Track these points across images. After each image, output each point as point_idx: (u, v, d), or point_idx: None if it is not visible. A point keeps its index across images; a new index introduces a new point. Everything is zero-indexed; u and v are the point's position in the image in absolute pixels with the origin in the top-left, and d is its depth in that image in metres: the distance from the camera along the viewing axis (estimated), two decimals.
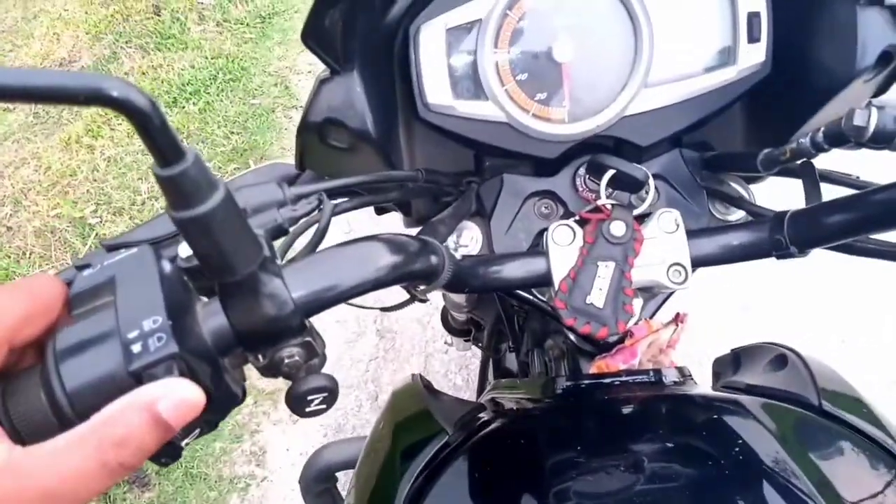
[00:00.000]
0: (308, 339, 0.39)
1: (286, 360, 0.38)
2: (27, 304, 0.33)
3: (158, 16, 2.96)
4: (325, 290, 0.39)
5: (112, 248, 0.46)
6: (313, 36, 0.50)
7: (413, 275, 0.45)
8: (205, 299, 0.38)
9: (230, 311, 0.36)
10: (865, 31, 0.54)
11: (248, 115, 2.65)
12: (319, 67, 0.55)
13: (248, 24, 2.95)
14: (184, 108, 2.65)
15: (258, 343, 0.37)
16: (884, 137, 0.45)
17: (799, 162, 0.56)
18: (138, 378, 0.31)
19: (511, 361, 0.96)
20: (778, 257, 0.57)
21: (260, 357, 0.38)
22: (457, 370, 1.96)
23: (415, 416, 0.69)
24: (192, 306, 0.36)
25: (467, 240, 0.67)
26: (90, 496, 0.30)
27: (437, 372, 1.96)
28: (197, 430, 0.36)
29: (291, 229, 0.47)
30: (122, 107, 0.27)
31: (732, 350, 0.82)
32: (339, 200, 0.56)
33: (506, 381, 0.76)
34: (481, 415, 0.66)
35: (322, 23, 0.51)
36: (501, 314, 0.87)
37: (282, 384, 0.39)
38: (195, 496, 1.81)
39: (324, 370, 0.41)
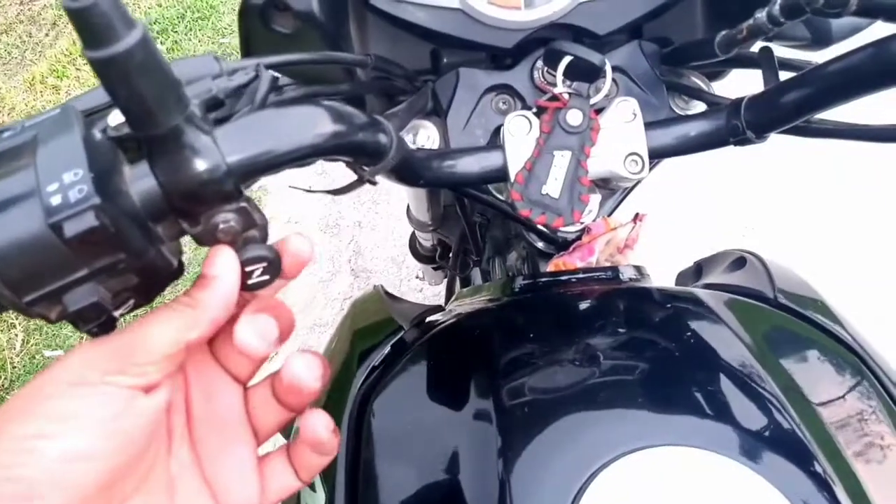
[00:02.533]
0: (243, 204, 0.37)
1: (221, 226, 0.36)
2: None
3: None
4: (259, 153, 0.37)
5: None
6: None
7: (356, 147, 0.43)
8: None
9: (158, 170, 0.34)
10: None
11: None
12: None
13: None
14: None
15: (189, 205, 0.36)
16: (838, 2, 0.43)
17: (758, 50, 0.55)
18: (58, 230, 0.30)
19: (477, 277, 0.95)
20: (735, 144, 0.56)
21: (192, 224, 0.37)
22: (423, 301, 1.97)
23: (374, 321, 0.69)
24: (120, 169, 0.35)
25: (423, 139, 0.65)
26: None
27: None
28: (131, 302, 0.35)
29: (228, 101, 0.45)
30: None
31: (696, 262, 0.82)
32: (283, 84, 0.54)
33: (467, 289, 0.75)
34: (438, 316, 0.65)
35: None
36: (466, 230, 0.85)
37: None
38: None
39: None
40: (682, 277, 0.82)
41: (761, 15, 0.50)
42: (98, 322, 0.34)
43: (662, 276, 0.72)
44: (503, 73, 0.64)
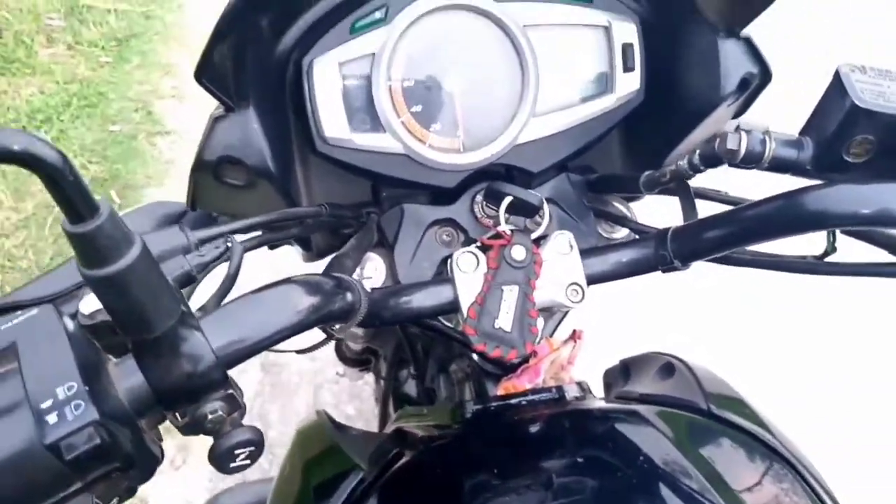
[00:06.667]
0: (230, 391, 0.37)
1: (209, 416, 0.36)
2: None
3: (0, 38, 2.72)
4: (246, 340, 0.38)
5: (3, 309, 0.41)
6: (207, 73, 0.49)
7: (332, 315, 0.45)
8: (113, 358, 0.36)
9: (147, 369, 0.34)
10: (726, 60, 0.60)
11: (107, 143, 2.49)
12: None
13: (103, 47, 2.77)
14: None
15: (179, 400, 0.36)
16: (753, 158, 0.50)
17: (675, 184, 0.61)
18: (56, 451, 0.29)
19: (411, 387, 0.96)
20: (664, 271, 0.61)
21: (179, 416, 0.36)
22: (348, 400, 1.93)
23: (324, 453, 0.68)
24: (104, 367, 0.34)
25: (371, 271, 0.66)
26: None
27: (327, 403, 1.91)
28: (116, 499, 0.34)
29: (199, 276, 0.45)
30: (27, 162, 0.25)
31: (621, 360, 0.87)
32: (239, 240, 0.54)
33: (412, 409, 0.76)
34: (393, 448, 0.65)
35: (214, 60, 0.49)
36: (404, 341, 0.87)
37: None
38: None
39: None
40: (610, 376, 0.86)
41: (682, 163, 0.56)
42: None
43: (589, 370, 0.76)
44: (445, 208, 0.67)
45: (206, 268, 0.44)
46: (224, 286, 0.44)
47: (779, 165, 0.50)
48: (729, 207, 0.61)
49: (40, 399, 0.30)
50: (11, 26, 2.72)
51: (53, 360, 0.31)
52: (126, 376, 0.34)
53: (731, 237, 0.55)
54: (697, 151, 0.54)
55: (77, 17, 2.83)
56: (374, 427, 1.32)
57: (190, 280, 0.43)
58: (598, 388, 0.83)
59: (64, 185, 0.26)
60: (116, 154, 2.45)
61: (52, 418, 0.29)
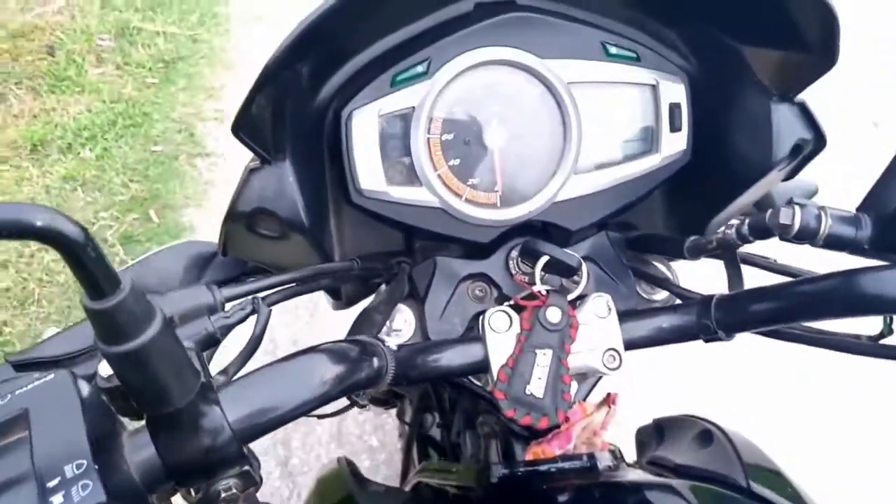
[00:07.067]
0: (246, 467, 0.36)
1: (223, 494, 0.35)
2: None
3: (52, 56, 2.80)
4: (266, 414, 0.37)
5: (20, 365, 0.41)
6: (245, 127, 0.48)
7: (358, 384, 0.43)
8: (128, 425, 0.34)
9: (161, 443, 0.33)
10: (779, 125, 0.58)
11: (149, 163, 2.53)
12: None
13: (150, 69, 2.84)
14: (79, 153, 2.50)
15: (192, 477, 0.34)
16: (807, 235, 0.47)
17: (722, 251, 0.58)
18: None
19: (436, 433, 0.94)
20: (706, 341, 0.59)
21: (192, 491, 0.35)
22: (372, 430, 1.91)
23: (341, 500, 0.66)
24: (118, 437, 0.33)
25: (400, 323, 0.65)
26: None
27: (351, 433, 1.90)
28: None
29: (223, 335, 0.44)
30: (49, 238, 0.24)
31: (655, 420, 0.83)
32: (269, 292, 0.54)
33: (436, 464, 0.74)
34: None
35: (252, 112, 0.49)
36: (430, 391, 0.85)
37: None
38: None
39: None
40: (644, 435, 0.83)
41: (731, 231, 0.54)
42: None
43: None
44: (479, 262, 0.65)
45: (230, 329, 0.43)
46: (247, 349, 0.43)
47: (834, 243, 0.47)
48: (777, 277, 0.58)
49: (47, 477, 0.28)
50: (64, 46, 2.80)
51: (65, 434, 0.30)
52: (138, 450, 0.33)
53: (779, 313, 0.53)
54: (747, 221, 0.52)
55: (127, 39, 2.91)
56: (396, 463, 1.30)
57: (213, 342, 0.42)
58: (628, 443, 0.80)
59: (86, 261, 0.25)
60: (157, 174, 2.49)
61: (57, 499, 0.28)
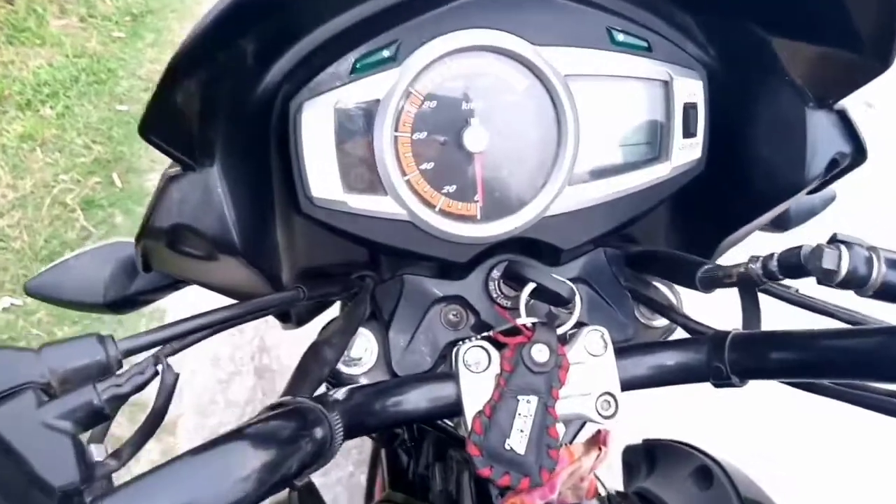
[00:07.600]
0: None
1: None
2: None
3: (11, 5, 2.62)
4: None
5: None
6: (158, 126, 0.38)
7: (300, 468, 0.34)
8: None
9: None
10: (815, 135, 0.49)
11: (113, 123, 2.40)
12: None
13: (116, 22, 2.68)
14: (38, 111, 2.36)
15: None
16: (856, 282, 0.38)
17: (739, 286, 0.49)
18: None
19: (404, 459, 0.86)
20: (715, 385, 0.50)
21: None
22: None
23: None
24: None
25: (360, 351, 0.56)
26: None
27: None
28: None
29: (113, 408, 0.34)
30: None
31: (645, 441, 0.75)
32: (193, 325, 0.43)
33: (400, 497, 0.66)
34: None
35: (171, 105, 0.38)
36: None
37: None
38: None
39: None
40: (631, 456, 0.75)
41: (755, 266, 0.44)
42: None
43: None
44: (453, 283, 0.56)
45: (123, 401, 0.33)
46: (146, 426, 0.33)
47: (890, 293, 0.38)
48: (800, 310, 0.49)
49: None
50: None
51: None
52: None
53: (806, 366, 0.44)
54: (776, 257, 0.43)
55: None
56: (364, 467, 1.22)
57: (100, 419, 0.32)
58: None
59: None
60: (122, 135, 2.36)
61: None
